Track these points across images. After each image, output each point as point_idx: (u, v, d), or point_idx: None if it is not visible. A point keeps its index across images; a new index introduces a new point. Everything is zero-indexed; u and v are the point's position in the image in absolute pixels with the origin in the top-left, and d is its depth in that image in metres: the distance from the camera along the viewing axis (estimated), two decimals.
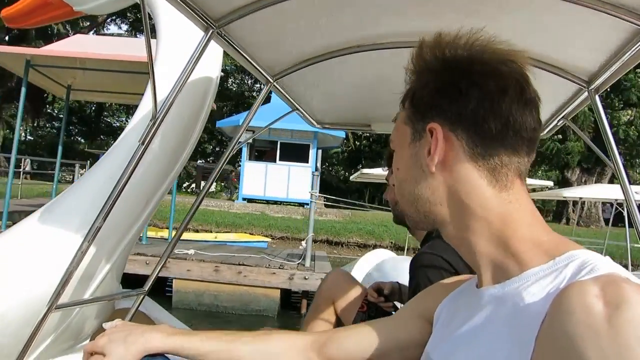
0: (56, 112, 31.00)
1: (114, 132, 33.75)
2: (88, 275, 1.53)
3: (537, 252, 0.64)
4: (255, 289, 7.11)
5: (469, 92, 0.68)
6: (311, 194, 8.06)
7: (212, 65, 1.78)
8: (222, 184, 23.35)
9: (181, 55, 1.50)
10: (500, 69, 0.68)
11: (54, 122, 31.96)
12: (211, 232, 12.47)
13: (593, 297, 0.50)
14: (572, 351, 0.49)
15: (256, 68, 1.70)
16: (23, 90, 6.84)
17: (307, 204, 16.65)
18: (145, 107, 1.64)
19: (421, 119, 0.72)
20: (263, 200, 16.99)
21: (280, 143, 16.86)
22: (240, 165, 18.08)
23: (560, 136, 19.26)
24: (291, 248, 11.00)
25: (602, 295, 0.50)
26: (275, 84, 1.85)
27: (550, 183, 12.13)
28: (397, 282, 1.89)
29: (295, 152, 17.02)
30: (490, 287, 0.68)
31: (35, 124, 28.77)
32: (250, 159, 17.21)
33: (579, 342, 0.49)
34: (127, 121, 35.41)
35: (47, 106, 29.83)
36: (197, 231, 12.45)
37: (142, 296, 1.71)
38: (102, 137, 32.59)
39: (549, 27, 1.35)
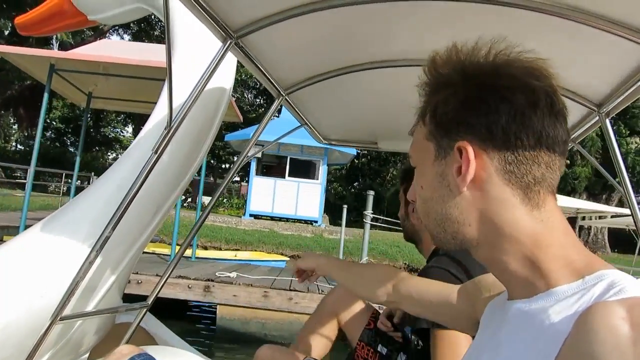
0: (49, 121, 30.48)
1: (109, 143, 33.42)
2: (92, 287, 1.49)
3: (567, 270, 0.62)
4: (307, 317, 6.34)
5: (499, 107, 0.65)
6: (365, 214, 7.97)
7: (226, 75, 1.78)
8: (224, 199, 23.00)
9: (197, 65, 1.49)
10: (529, 82, 0.66)
11: (48, 132, 31.30)
12: (220, 249, 12.08)
13: (619, 319, 0.49)
14: None
15: (269, 81, 1.70)
16: (45, 96, 6.41)
17: (316, 222, 16.45)
18: (158, 116, 1.63)
19: (446, 135, 0.69)
20: (270, 217, 16.41)
21: (290, 158, 16.43)
22: (247, 181, 17.77)
23: (568, 161, 19.47)
24: None
25: (628, 317, 0.49)
26: (286, 97, 1.85)
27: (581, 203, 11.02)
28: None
29: (304, 168, 16.63)
30: (518, 301, 0.67)
31: (28, 133, 28.31)
32: (258, 174, 16.67)
33: None
34: (122, 132, 34.69)
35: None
36: (205, 248, 12.07)
37: (144, 310, 1.68)
38: (96, 148, 32.14)
39: (561, 49, 1.35)
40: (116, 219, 1.30)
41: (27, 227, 6.57)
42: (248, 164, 16.45)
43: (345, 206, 9.82)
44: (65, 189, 15.61)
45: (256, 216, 16.36)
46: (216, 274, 6.27)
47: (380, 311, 1.90)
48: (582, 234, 20.11)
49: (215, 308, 6.48)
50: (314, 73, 1.77)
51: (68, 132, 31.04)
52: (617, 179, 1.67)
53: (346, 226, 16.28)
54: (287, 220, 16.34)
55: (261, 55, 1.54)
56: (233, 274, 6.54)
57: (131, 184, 1.31)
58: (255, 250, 12.18)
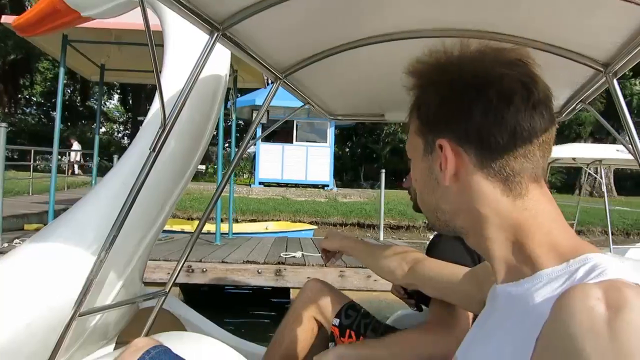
0: (28, 96, 29.71)
1: (94, 117, 33.23)
2: (109, 281, 1.56)
3: (553, 255, 0.64)
4: (387, 295, 5.60)
5: (471, 105, 0.67)
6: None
7: (220, 66, 1.77)
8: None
9: (189, 59, 1.49)
10: (502, 74, 0.66)
11: (32, 108, 30.55)
12: (237, 220, 11.78)
13: (595, 300, 0.50)
14: (572, 352, 0.49)
15: (265, 66, 1.69)
16: (61, 70, 6.13)
17: (328, 186, 16.06)
18: (154, 114, 1.65)
19: (430, 132, 0.73)
20: (281, 183, 16.03)
21: (297, 123, 15.80)
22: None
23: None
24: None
25: (604, 298, 0.50)
26: (284, 80, 1.84)
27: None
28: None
29: (312, 132, 16.21)
30: (506, 285, 0.70)
31: (10, 110, 27.15)
32: (264, 140, 15.82)
33: (579, 343, 0.49)
34: (106, 104, 33.44)
35: (24, 91, 28.93)
36: (221, 220, 12.21)
37: (164, 297, 1.75)
38: (83, 121, 31.41)
39: (565, 11, 1.30)
40: (122, 217, 1.34)
41: (55, 212, 6.49)
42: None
43: (384, 171, 9.62)
44: (67, 167, 15.23)
45: (266, 184, 16.01)
46: (281, 255, 5.81)
47: (354, 302, 1.87)
48: (588, 179, 19.49)
49: (288, 292, 6.09)
50: (310, 53, 1.74)
51: (50, 107, 29.74)
52: (625, 138, 1.61)
53: (351, 187, 15.58)
54: (297, 186, 15.97)
55: (252, 43, 1.53)
56: (298, 254, 6.13)
57: (133, 183, 1.35)
58: (274, 220, 11.96)
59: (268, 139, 15.94)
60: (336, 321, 1.77)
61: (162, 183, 1.62)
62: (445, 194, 0.72)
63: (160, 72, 1.32)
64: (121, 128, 37.85)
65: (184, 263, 1.80)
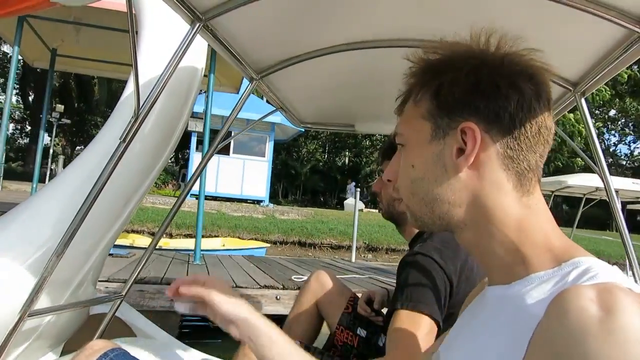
0: None
1: None
2: (63, 280, 1.45)
3: (546, 257, 0.64)
4: None
5: (509, 93, 0.66)
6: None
7: (196, 59, 1.72)
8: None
9: (165, 49, 1.43)
10: (534, 74, 0.68)
11: None
12: (171, 235, 11.12)
13: (588, 301, 0.50)
14: (564, 353, 0.50)
15: (242, 64, 1.65)
16: (16, 49, 5.26)
17: (263, 201, 15.32)
18: (126, 103, 1.57)
19: (447, 115, 0.70)
20: (213, 197, 14.74)
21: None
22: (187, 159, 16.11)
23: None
24: (291, 255, 10.12)
25: (597, 300, 0.50)
26: (260, 81, 1.81)
27: None
28: (387, 290, 1.86)
29: (250, 145, 15.38)
30: (497, 287, 0.69)
31: None
32: (198, 150, 14.71)
33: (572, 343, 0.49)
34: None
35: None
36: (171, 235, 11.11)
37: (119, 301, 1.64)
38: None
39: (537, 28, 1.34)
40: (85, 210, 1.25)
41: None
42: (188, 140, 14.91)
43: (354, 183, 9.44)
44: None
45: (196, 195, 15.25)
46: (292, 278, 5.01)
47: (359, 295, 1.90)
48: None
49: None
50: (288, 55, 1.72)
51: None
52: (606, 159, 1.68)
53: (279, 204, 14.83)
54: (231, 200, 14.98)
55: (232, 38, 1.49)
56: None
57: (99, 174, 1.27)
58: (211, 236, 11.17)
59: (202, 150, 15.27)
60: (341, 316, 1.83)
61: (130, 177, 1.54)
62: (453, 182, 0.69)
63: (135, 59, 1.25)
64: (18, 127, 34.30)
65: (141, 269, 1.71)
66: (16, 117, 32.72)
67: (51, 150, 22.70)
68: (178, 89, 1.64)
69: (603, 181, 1.63)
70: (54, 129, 22.51)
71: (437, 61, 0.72)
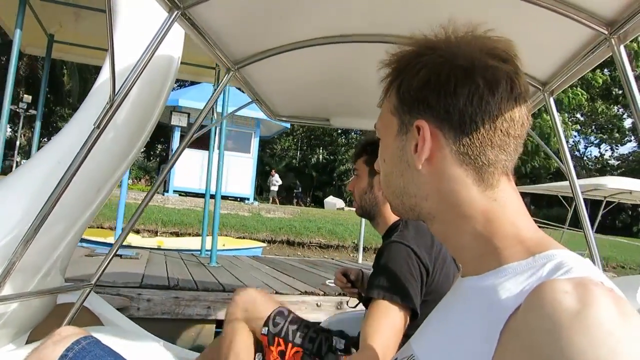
0: None
1: None
2: (31, 267, 1.42)
3: (518, 249, 0.64)
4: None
5: (457, 88, 0.66)
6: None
7: (173, 47, 1.70)
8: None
9: (141, 35, 1.42)
10: (489, 63, 0.66)
11: None
12: (157, 233, 10.90)
13: (564, 294, 0.51)
14: (538, 345, 0.50)
15: (219, 55, 1.65)
16: (17, 33, 4.84)
17: (248, 199, 15.01)
18: (101, 88, 1.55)
19: (408, 111, 0.70)
20: (197, 193, 14.17)
21: (220, 130, 14.57)
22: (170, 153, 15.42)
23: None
24: (280, 254, 9.82)
25: (573, 293, 0.51)
26: (237, 72, 1.80)
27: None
28: (362, 270, 1.88)
29: (235, 141, 14.94)
30: (470, 277, 0.69)
31: None
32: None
33: (545, 335, 0.50)
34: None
35: None
36: (137, 232, 10.76)
37: (87, 290, 1.62)
38: None
39: (507, 27, 1.37)
40: (56, 195, 1.23)
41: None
42: (171, 133, 14.43)
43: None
44: None
45: (181, 192, 14.52)
46: (327, 282, 4.64)
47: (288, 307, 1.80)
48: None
49: None
50: (265, 47, 1.73)
51: None
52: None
53: (264, 202, 14.26)
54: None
55: (210, 28, 1.49)
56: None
57: (72, 159, 1.25)
58: (199, 234, 10.71)
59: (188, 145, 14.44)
60: (265, 330, 1.69)
61: (103, 164, 1.51)
62: (416, 177, 0.70)
63: (111, 45, 1.24)
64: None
65: (110, 259, 1.68)
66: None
67: (18, 142, 21.97)
68: (154, 77, 1.62)
69: (569, 179, 1.69)
70: (21, 120, 21.75)
71: (402, 57, 0.72)
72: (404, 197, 0.74)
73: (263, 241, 11.39)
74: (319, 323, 1.85)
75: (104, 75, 1.57)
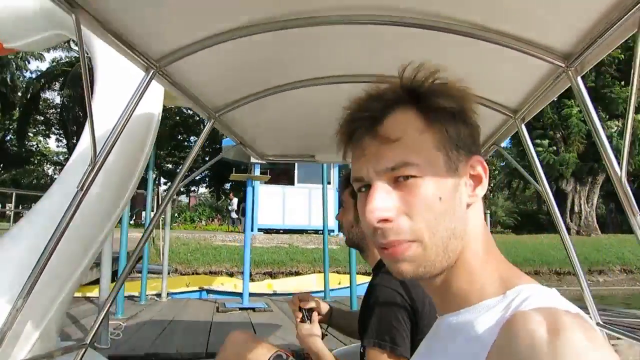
0: None
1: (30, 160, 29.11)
2: (24, 333, 1.42)
3: (497, 285, 0.66)
4: None
5: (475, 125, 0.71)
6: None
7: (152, 104, 1.74)
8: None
9: (120, 95, 1.45)
10: (472, 104, 0.71)
11: None
12: (251, 275, 9.97)
13: (536, 323, 0.54)
14: None
15: (199, 105, 1.68)
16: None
17: (333, 231, 13.71)
18: (82, 150, 1.57)
19: (455, 148, 0.67)
20: (280, 230, 13.83)
21: (298, 163, 13.00)
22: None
23: (554, 148, 19.36)
24: None
25: (544, 322, 0.54)
26: (218, 119, 1.84)
27: None
28: (331, 306, 1.86)
29: (315, 172, 13.51)
30: (448, 315, 0.71)
31: None
32: (262, 181, 13.33)
33: None
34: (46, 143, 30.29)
35: None
36: (231, 275, 10.39)
37: (83, 350, 1.61)
38: (25, 166, 28.59)
39: (478, 64, 1.43)
40: (44, 261, 1.24)
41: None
42: (251, 167, 13.66)
43: None
44: None
45: (266, 230, 13.75)
46: None
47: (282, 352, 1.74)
48: (573, 218, 19.73)
49: None
50: (243, 94, 1.76)
51: None
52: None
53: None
54: (300, 232, 13.81)
55: (188, 81, 1.52)
56: None
57: (57, 223, 1.26)
58: (296, 273, 10.51)
59: (267, 181, 13.38)
60: None
61: (89, 225, 1.53)
62: (463, 215, 0.67)
63: (90, 109, 1.27)
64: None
65: (106, 311, 1.67)
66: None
67: None
68: (135, 134, 1.65)
69: (545, 199, 1.74)
70: None
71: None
72: (450, 242, 0.66)
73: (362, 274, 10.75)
74: None
75: (85, 135, 1.60)
